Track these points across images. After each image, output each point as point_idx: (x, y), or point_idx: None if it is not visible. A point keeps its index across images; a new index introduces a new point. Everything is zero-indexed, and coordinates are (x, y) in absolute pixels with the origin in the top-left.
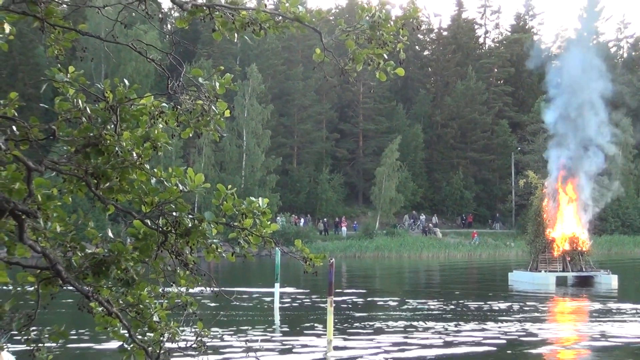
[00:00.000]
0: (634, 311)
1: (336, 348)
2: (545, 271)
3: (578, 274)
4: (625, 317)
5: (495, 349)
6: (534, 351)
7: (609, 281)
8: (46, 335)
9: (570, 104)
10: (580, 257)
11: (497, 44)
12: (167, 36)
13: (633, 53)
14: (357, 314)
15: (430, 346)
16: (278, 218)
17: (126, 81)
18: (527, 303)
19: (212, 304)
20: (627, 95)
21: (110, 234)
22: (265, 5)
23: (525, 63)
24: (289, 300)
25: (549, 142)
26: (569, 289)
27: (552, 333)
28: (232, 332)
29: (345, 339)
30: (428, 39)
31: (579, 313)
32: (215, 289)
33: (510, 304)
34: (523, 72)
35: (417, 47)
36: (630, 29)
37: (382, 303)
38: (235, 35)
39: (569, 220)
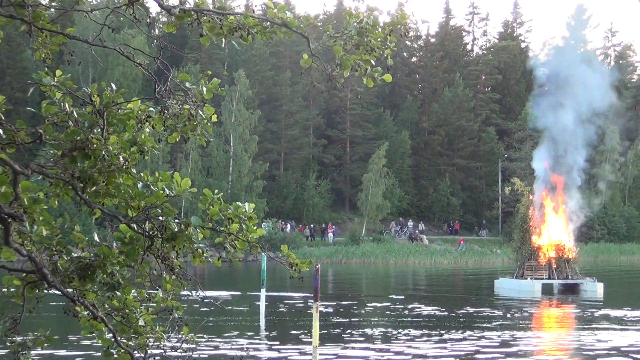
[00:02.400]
0: (620, 319)
1: (322, 355)
2: (531, 278)
3: (564, 282)
4: (610, 325)
5: (480, 357)
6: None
7: (595, 289)
8: (31, 340)
9: (558, 113)
10: (566, 265)
11: (485, 51)
12: (155, 41)
13: (620, 61)
14: (343, 320)
15: (418, 356)
16: (264, 223)
17: (113, 85)
18: (513, 310)
19: (202, 309)
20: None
21: (96, 238)
22: (254, 11)
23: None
24: (275, 305)
25: (536, 151)
26: (554, 296)
27: (536, 341)
28: (217, 338)
29: (330, 346)
30: (416, 46)
31: (564, 321)
32: (201, 293)
33: (495, 311)
34: (510, 79)
35: (404, 53)
36: (618, 37)
37: (367, 309)
38: (223, 40)
39: (555, 227)
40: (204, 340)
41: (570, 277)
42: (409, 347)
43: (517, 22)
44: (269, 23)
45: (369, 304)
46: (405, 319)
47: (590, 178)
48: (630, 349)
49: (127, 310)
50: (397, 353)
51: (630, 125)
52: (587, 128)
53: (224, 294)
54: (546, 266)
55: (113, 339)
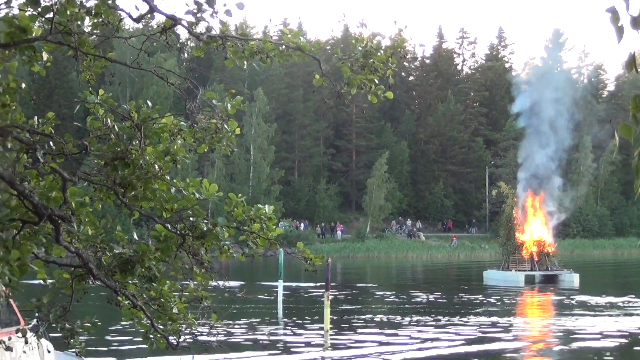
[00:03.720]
0: (594, 306)
1: (333, 338)
2: (515, 270)
3: (544, 273)
4: (586, 311)
5: (470, 339)
6: (506, 343)
7: (572, 279)
8: (79, 326)
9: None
10: (546, 258)
11: (473, 71)
12: (185, 63)
13: (592, 79)
14: (351, 307)
15: (416, 338)
16: (281, 223)
17: (149, 102)
18: (499, 298)
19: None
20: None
21: (135, 237)
22: (271, 37)
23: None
24: (291, 294)
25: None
26: (536, 285)
27: (521, 325)
28: (241, 323)
29: (340, 329)
30: (413, 66)
31: (545, 307)
32: (227, 284)
33: (484, 298)
34: (496, 95)
35: (403, 73)
36: (590, 57)
37: (373, 297)
38: (245, 62)
39: (536, 225)
40: (229, 326)
41: (549, 269)
42: (416, 331)
43: (502, 45)
44: (284, 47)
45: (374, 293)
46: (408, 306)
47: (566, 182)
48: (603, 331)
49: (162, 300)
50: (405, 337)
51: (601, 135)
52: (562, 138)
53: (246, 284)
54: (528, 259)
55: (150, 325)
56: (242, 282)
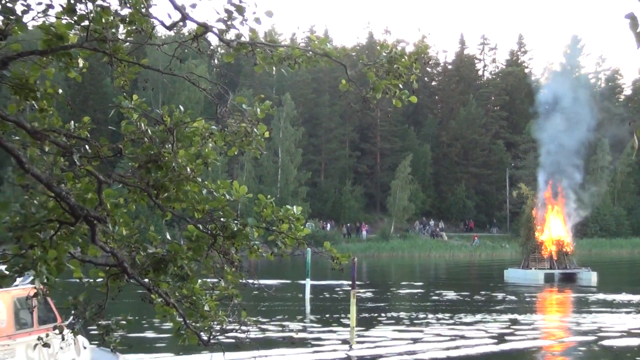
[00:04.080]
0: (611, 303)
1: (358, 334)
2: (535, 269)
3: (563, 271)
4: (603, 308)
5: (493, 336)
6: (529, 341)
7: (590, 277)
8: (114, 323)
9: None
10: (565, 257)
11: (494, 76)
12: (215, 69)
13: (609, 83)
14: (377, 304)
15: (440, 335)
16: (308, 223)
17: (181, 107)
18: (520, 295)
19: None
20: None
21: (168, 237)
22: (299, 44)
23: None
24: (318, 292)
25: (540, 160)
26: (555, 284)
27: (542, 322)
28: (270, 320)
29: (366, 326)
30: (435, 72)
31: (564, 304)
32: (256, 282)
33: (505, 296)
34: (516, 99)
35: (426, 78)
36: (607, 63)
37: (398, 295)
38: (273, 68)
39: (555, 225)
40: (259, 322)
41: (568, 267)
42: (440, 328)
43: (521, 50)
44: (312, 53)
45: (398, 291)
46: (432, 304)
47: (585, 183)
48: (622, 328)
49: (194, 298)
50: (429, 334)
51: (618, 137)
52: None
53: (275, 282)
54: (548, 258)
55: (183, 322)
56: (281, 281)
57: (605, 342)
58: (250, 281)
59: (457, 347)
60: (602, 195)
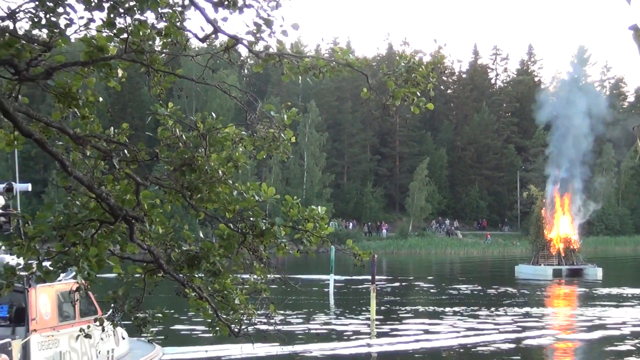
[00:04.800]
0: (616, 296)
1: (378, 326)
2: (544, 265)
3: (570, 267)
4: (609, 302)
5: (506, 329)
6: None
7: (595, 273)
8: (151, 316)
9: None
10: (572, 254)
11: (506, 84)
12: (245, 78)
13: (614, 91)
14: (395, 298)
15: (456, 327)
16: (331, 222)
17: (213, 114)
18: (530, 290)
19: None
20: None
21: (201, 235)
22: (323, 54)
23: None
24: (341, 287)
25: (549, 163)
26: (563, 279)
27: (551, 315)
28: (296, 314)
29: (385, 319)
30: (451, 80)
31: (571, 298)
32: (283, 277)
33: (516, 290)
34: (526, 106)
35: (442, 86)
36: (612, 72)
37: (415, 289)
38: (299, 77)
39: (563, 224)
40: (286, 315)
41: (575, 263)
42: (456, 321)
43: (531, 60)
44: (335, 63)
45: (416, 285)
46: (448, 297)
47: (591, 185)
48: (624, 320)
49: (225, 292)
50: (446, 326)
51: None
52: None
53: (301, 277)
54: (556, 255)
55: (215, 315)
56: (307, 276)
57: (609, 333)
58: (278, 276)
59: (471, 339)
60: (606, 197)
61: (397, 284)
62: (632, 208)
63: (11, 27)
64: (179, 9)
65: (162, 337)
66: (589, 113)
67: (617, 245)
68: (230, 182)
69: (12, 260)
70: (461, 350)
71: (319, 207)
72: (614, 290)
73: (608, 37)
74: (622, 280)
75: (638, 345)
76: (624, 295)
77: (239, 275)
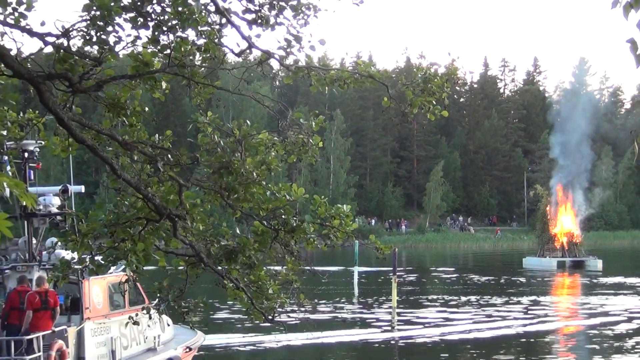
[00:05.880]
0: (615, 285)
1: (399, 314)
2: (549, 257)
3: (573, 259)
4: (608, 290)
5: (517, 317)
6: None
7: (596, 264)
8: (193, 305)
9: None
10: (574, 247)
11: (513, 93)
12: (277, 89)
13: (612, 99)
14: (415, 288)
15: (471, 314)
16: (355, 219)
17: (248, 122)
18: (537, 279)
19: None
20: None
21: (237, 231)
22: (347, 67)
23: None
24: (365, 277)
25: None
26: (566, 270)
27: (556, 302)
28: (324, 302)
29: (405, 307)
30: (463, 90)
31: (574, 287)
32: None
33: (524, 280)
34: (532, 113)
35: (455, 95)
36: (610, 81)
37: (432, 279)
38: (326, 88)
39: (566, 220)
40: (315, 304)
41: (577, 255)
42: (471, 308)
43: (537, 71)
44: (358, 75)
45: (433, 276)
46: (462, 286)
47: (591, 184)
48: (623, 308)
49: (260, 283)
50: (461, 313)
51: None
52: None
53: (328, 269)
54: (560, 248)
55: (250, 304)
56: (333, 268)
57: (610, 319)
58: (307, 268)
59: (485, 325)
60: (605, 196)
61: (416, 275)
62: (629, 205)
63: (65, 44)
64: (217, 26)
65: (203, 324)
66: (590, 119)
67: (615, 239)
68: (264, 183)
69: (67, 255)
70: (476, 336)
71: (344, 205)
72: (614, 280)
73: (607, 49)
74: (620, 270)
75: (635, 328)
76: (623, 284)
77: (272, 268)
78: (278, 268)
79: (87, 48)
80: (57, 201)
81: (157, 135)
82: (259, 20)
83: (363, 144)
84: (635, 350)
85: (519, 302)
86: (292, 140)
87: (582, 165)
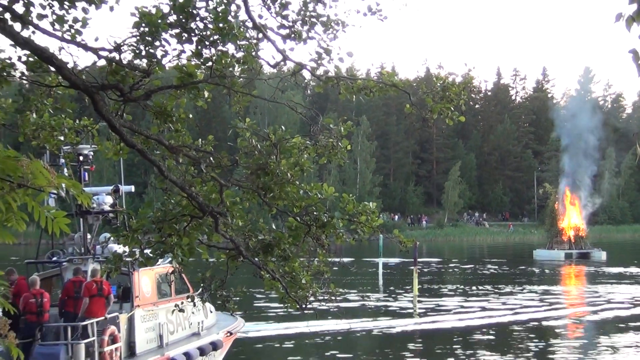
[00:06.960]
0: (618, 275)
1: (420, 302)
2: (557, 249)
3: (579, 251)
4: (612, 280)
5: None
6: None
7: (601, 256)
8: (233, 293)
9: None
10: (581, 240)
11: (524, 100)
12: (308, 97)
13: (614, 104)
14: (435, 277)
15: (487, 302)
16: (380, 215)
17: (282, 127)
18: (547, 270)
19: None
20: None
21: (273, 227)
22: (373, 76)
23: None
24: (389, 268)
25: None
26: (573, 261)
27: (564, 291)
28: (353, 292)
29: (426, 296)
30: (478, 97)
31: (581, 277)
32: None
33: (535, 270)
34: (542, 118)
35: (471, 102)
36: (613, 88)
37: (451, 270)
38: (354, 96)
39: (573, 215)
40: (343, 293)
41: (583, 248)
42: (486, 297)
43: (545, 80)
44: (383, 84)
45: (452, 267)
46: (478, 277)
47: (596, 182)
48: (626, 296)
49: (294, 273)
50: (478, 301)
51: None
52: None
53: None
54: (567, 241)
55: (285, 293)
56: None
57: (614, 306)
58: (337, 260)
59: (500, 312)
60: (609, 193)
61: (435, 266)
62: (631, 202)
63: (117, 58)
64: (254, 41)
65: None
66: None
67: (618, 233)
68: (297, 183)
69: (119, 248)
70: (491, 322)
71: (370, 202)
72: (617, 270)
73: (610, 59)
74: (623, 261)
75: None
76: (626, 274)
77: (304, 260)
78: (311, 260)
79: (137, 61)
80: (109, 200)
81: (200, 139)
82: (293, 35)
83: (387, 147)
84: (638, 332)
85: (530, 291)
86: (323, 144)
87: (588, 166)
